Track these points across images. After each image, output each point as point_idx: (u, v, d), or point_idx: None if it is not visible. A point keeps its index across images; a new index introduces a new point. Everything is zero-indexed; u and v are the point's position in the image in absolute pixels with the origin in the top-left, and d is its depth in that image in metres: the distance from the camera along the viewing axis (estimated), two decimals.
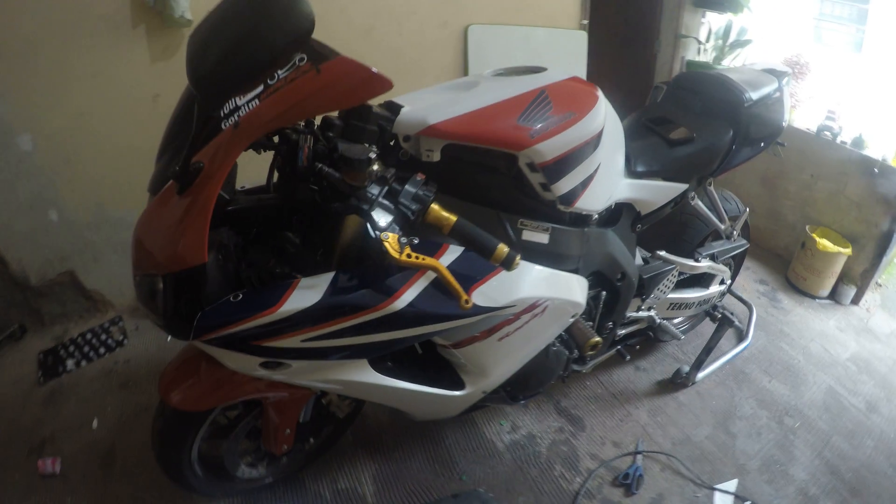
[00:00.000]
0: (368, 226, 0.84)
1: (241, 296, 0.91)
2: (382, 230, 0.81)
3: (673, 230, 1.69)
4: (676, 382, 1.86)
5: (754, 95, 1.52)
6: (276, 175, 1.05)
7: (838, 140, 2.22)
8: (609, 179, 1.24)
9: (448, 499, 1.49)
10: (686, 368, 1.86)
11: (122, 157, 1.84)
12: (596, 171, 1.15)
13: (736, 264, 2.01)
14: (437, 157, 0.99)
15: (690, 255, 1.67)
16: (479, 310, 1.02)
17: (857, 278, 2.25)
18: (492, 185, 1.08)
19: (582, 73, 2.58)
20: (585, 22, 2.48)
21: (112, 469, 1.55)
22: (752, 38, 2.59)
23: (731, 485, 1.54)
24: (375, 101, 1.06)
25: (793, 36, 2.63)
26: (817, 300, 2.32)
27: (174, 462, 1.23)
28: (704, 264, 1.68)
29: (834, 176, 2.24)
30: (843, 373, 1.97)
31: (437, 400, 1.23)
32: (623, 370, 1.93)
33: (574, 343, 1.34)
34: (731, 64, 2.64)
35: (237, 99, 0.82)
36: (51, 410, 1.74)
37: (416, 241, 0.91)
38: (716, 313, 1.78)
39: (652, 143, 1.44)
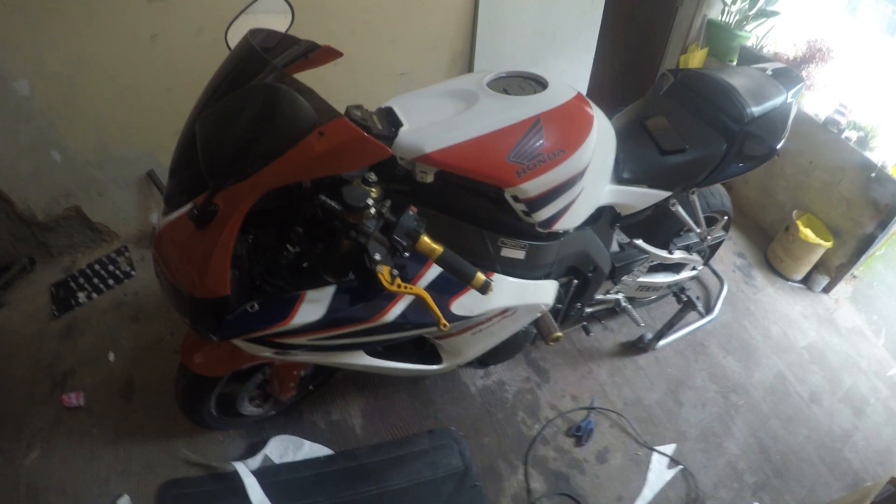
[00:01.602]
0: (365, 256, 0.93)
1: (256, 306, 1.04)
2: (377, 263, 0.91)
3: (654, 219, 1.74)
4: (639, 347, 2.04)
5: (755, 110, 1.49)
6: None
7: (843, 136, 2.16)
8: (592, 197, 1.30)
9: (424, 434, 1.73)
10: (649, 335, 2.02)
11: (123, 97, 1.85)
12: (578, 195, 1.21)
13: (711, 249, 2.09)
14: (430, 178, 1.06)
15: (666, 245, 1.75)
16: (456, 318, 1.16)
17: (833, 270, 2.33)
18: (478, 206, 1.15)
19: (595, 27, 2.44)
20: None
21: (132, 400, 1.74)
22: (780, 9, 2.39)
23: (669, 448, 1.76)
24: (372, 106, 1.10)
25: (824, 11, 2.41)
26: (790, 283, 2.42)
27: (196, 411, 1.46)
28: (678, 255, 1.76)
29: (831, 169, 2.23)
30: (795, 360, 2.12)
31: (417, 372, 1.41)
32: (592, 329, 2.05)
33: (539, 333, 1.48)
34: (754, 32, 2.47)
35: None
36: (68, 344, 1.89)
37: (406, 255, 1.00)
38: (682, 296, 1.89)
39: (644, 149, 1.46)
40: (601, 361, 2.01)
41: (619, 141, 1.40)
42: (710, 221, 1.87)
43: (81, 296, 2.02)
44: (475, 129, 1.04)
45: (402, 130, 1.02)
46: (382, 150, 0.86)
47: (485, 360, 1.58)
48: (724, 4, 2.48)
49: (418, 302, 1.07)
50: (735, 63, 2.52)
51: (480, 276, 0.95)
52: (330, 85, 2.21)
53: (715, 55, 2.56)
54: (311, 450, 1.67)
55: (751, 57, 2.40)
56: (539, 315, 1.40)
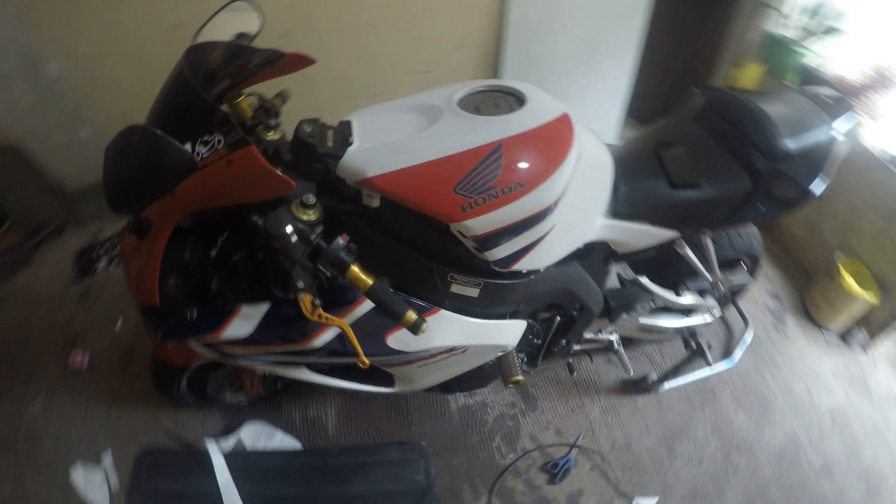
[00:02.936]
0: (289, 283, 0.89)
1: (195, 314, 1.06)
2: (299, 290, 0.87)
3: (663, 256, 1.58)
4: (641, 386, 1.87)
5: (791, 146, 1.24)
6: None
7: None
8: (572, 234, 1.16)
9: (394, 444, 1.71)
10: (654, 376, 1.85)
11: (147, 81, 1.88)
12: (545, 235, 1.06)
13: (732, 295, 1.87)
14: (376, 203, 0.99)
15: (676, 285, 1.58)
16: (392, 351, 1.10)
17: (875, 328, 2.04)
18: (427, 236, 1.05)
19: (637, 34, 2.25)
20: None
21: (130, 367, 1.84)
22: (846, 28, 2.08)
23: (650, 502, 1.62)
24: (334, 120, 1.06)
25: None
26: (825, 334, 2.14)
27: (167, 391, 1.54)
28: (688, 299, 1.58)
29: (887, 213, 1.93)
30: (815, 424, 1.87)
31: (368, 392, 1.38)
32: (596, 360, 1.94)
33: (500, 371, 1.36)
34: (816, 50, 2.17)
35: None
36: (82, 308, 2.02)
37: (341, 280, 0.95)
38: (692, 342, 1.71)
39: (650, 180, 1.27)
40: (596, 396, 1.87)
41: (623, 168, 1.24)
42: (733, 264, 1.68)
43: (101, 264, 2.16)
44: (425, 154, 0.94)
45: (350, 150, 0.95)
46: (286, 185, 0.84)
47: (449, 387, 1.51)
48: (782, 17, 2.19)
49: (353, 328, 1.02)
50: (797, 84, 2.24)
51: (411, 314, 0.87)
52: (348, 79, 2.22)
53: (772, 73, 2.29)
54: (283, 441, 1.70)
55: (811, 79, 2.13)
56: (500, 353, 1.30)
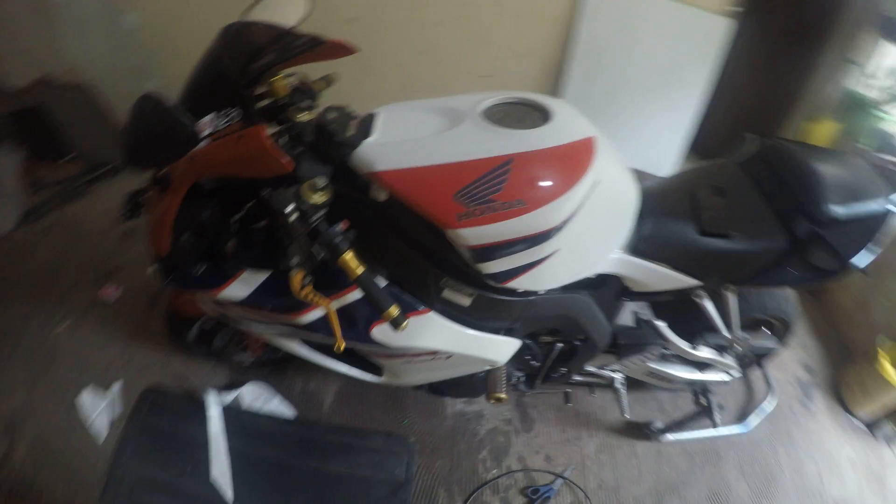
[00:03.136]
0: (285, 256, 0.93)
1: (200, 270, 1.12)
2: (291, 267, 0.91)
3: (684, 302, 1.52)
4: (644, 431, 1.80)
5: (839, 212, 1.15)
6: None
7: None
8: (579, 262, 1.12)
9: (382, 434, 1.73)
10: (660, 424, 1.77)
11: None
12: (546, 258, 1.03)
13: (757, 357, 1.76)
14: (383, 197, 1.01)
15: (693, 336, 1.50)
16: (375, 343, 1.12)
17: None
18: (427, 237, 1.05)
19: (707, 65, 2.16)
20: (738, 10, 1.99)
21: (154, 310, 1.96)
22: None
23: None
24: (364, 110, 1.08)
25: None
26: (852, 419, 1.98)
27: (177, 338, 1.63)
28: (703, 353, 1.51)
29: None
30: None
31: (355, 376, 1.40)
32: (603, 394, 1.87)
33: (484, 386, 1.34)
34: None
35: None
36: (123, 246, 2.16)
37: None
38: (701, 398, 1.62)
39: (679, 223, 1.21)
40: (595, 432, 1.81)
41: (652, 205, 1.20)
42: (759, 326, 1.58)
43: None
44: (435, 157, 0.95)
45: (366, 142, 0.98)
46: (281, 166, 0.89)
47: (439, 390, 1.51)
48: (865, 77, 2.04)
49: (341, 313, 1.04)
50: (871, 148, 2.08)
51: (394, 310, 0.88)
52: (408, 72, 2.25)
53: (847, 133, 2.13)
54: (278, 407, 1.76)
55: (887, 145, 1.97)
56: (488, 367, 1.29)
